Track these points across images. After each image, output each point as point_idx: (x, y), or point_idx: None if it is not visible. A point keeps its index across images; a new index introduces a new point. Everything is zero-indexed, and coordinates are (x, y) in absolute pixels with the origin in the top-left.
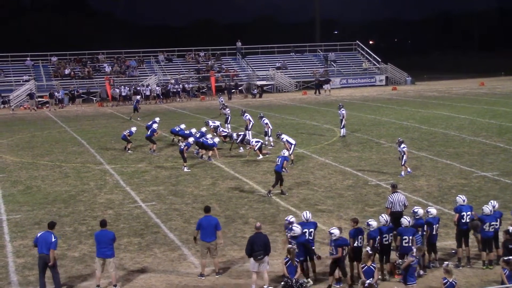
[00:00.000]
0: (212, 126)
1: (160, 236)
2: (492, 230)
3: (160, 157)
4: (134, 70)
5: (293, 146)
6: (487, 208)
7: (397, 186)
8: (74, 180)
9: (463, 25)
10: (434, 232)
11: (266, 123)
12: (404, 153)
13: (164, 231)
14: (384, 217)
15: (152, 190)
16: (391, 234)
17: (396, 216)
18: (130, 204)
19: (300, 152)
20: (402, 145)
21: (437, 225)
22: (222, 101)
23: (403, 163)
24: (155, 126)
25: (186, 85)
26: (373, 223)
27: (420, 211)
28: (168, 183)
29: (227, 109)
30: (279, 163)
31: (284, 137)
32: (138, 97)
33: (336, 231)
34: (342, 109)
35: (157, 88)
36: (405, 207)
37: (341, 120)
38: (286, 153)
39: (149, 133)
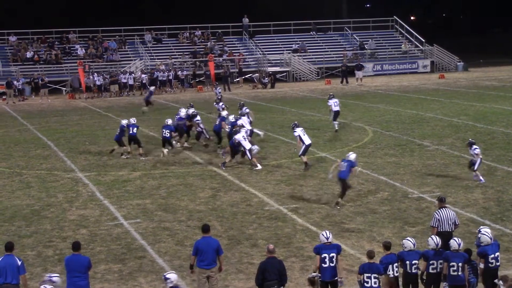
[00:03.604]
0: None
1: (146, 262)
2: None
3: (146, 163)
4: (114, 53)
5: (304, 146)
6: None
7: (445, 199)
8: (38, 191)
9: None
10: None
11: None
12: (477, 156)
13: (152, 256)
14: (435, 240)
15: (137, 204)
16: (440, 260)
17: (444, 238)
18: (109, 222)
19: (322, 157)
20: (474, 147)
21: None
22: (219, 92)
23: (476, 168)
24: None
25: (179, 72)
26: (408, 243)
27: (484, 237)
28: (157, 195)
29: (221, 104)
30: (345, 169)
31: (298, 131)
32: (153, 88)
33: (174, 276)
34: (332, 99)
35: (143, 75)
36: (456, 227)
37: (335, 112)
38: (352, 157)
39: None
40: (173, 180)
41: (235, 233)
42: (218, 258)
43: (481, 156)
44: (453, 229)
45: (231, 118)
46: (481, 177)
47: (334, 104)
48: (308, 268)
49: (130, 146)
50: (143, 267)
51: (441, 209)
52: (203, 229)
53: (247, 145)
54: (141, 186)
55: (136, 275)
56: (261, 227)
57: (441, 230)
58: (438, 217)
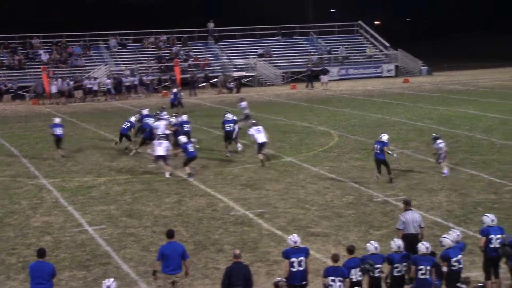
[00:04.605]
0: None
1: (112, 268)
2: None
3: (111, 168)
4: (78, 58)
5: (256, 144)
6: None
7: (411, 202)
8: (1, 198)
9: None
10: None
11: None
12: (441, 150)
13: (117, 262)
14: (397, 242)
15: (102, 210)
16: (405, 263)
17: (409, 240)
18: (73, 228)
19: (288, 161)
20: (438, 141)
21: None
22: (179, 96)
23: (441, 160)
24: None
25: (144, 77)
26: (370, 247)
27: (446, 241)
28: (122, 201)
29: (164, 113)
30: (378, 151)
31: (252, 130)
32: (175, 90)
33: (113, 284)
34: (243, 102)
35: (108, 81)
36: (421, 229)
37: (246, 115)
38: (385, 138)
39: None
40: (138, 185)
41: (201, 238)
42: (183, 263)
43: (445, 149)
44: (418, 231)
45: (229, 116)
46: (445, 170)
47: (245, 106)
48: (274, 273)
49: (57, 146)
50: (108, 273)
51: (407, 212)
52: (168, 235)
53: (159, 151)
54: (106, 192)
55: (101, 281)
56: (227, 232)
57: (407, 232)
58: (403, 219)
